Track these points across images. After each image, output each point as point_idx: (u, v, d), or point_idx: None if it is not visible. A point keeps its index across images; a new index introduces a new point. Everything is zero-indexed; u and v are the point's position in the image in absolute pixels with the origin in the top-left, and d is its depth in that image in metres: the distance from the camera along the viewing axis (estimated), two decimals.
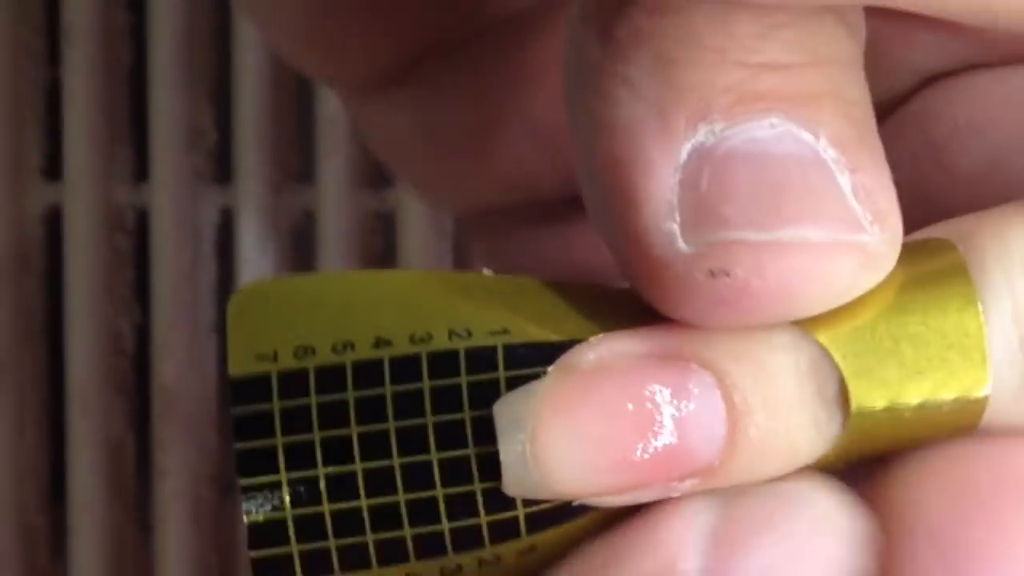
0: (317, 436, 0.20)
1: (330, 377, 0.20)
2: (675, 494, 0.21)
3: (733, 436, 0.21)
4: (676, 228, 0.20)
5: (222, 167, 0.39)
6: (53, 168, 0.39)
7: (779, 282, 0.20)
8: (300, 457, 0.20)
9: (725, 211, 0.20)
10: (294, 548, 0.19)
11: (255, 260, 0.39)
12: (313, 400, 0.20)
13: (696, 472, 0.21)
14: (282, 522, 0.20)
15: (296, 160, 0.39)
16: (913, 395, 0.21)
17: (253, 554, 0.19)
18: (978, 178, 0.26)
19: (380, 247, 0.40)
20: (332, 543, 0.20)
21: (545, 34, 0.28)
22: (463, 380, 0.20)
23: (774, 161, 0.20)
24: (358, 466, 0.20)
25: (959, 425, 0.21)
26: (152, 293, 0.39)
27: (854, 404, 0.21)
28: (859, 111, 0.21)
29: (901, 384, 0.21)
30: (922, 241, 0.21)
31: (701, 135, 0.20)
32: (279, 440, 0.20)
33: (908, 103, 0.26)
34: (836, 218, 0.20)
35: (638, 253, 0.20)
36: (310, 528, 0.20)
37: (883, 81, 0.26)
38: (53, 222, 0.39)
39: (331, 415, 0.20)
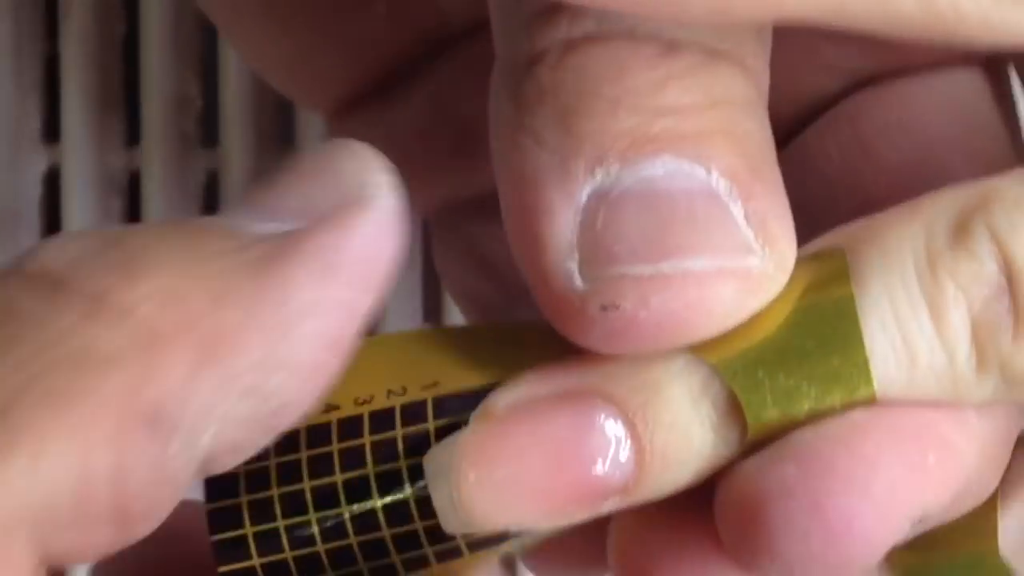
0: (276, 492, 0.22)
1: (287, 440, 0.21)
2: (603, 513, 0.22)
3: (640, 458, 0.22)
4: (574, 266, 0.21)
5: (209, 132, 0.39)
6: (52, 132, 0.39)
7: (663, 312, 0.21)
8: (262, 512, 0.22)
9: (616, 249, 0.21)
10: None
11: None
12: (272, 462, 0.22)
13: (612, 493, 0.22)
14: (251, 570, 0.22)
15: (279, 124, 0.39)
16: (803, 402, 0.22)
17: None
18: (903, 173, 0.27)
19: None
20: None
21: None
22: (398, 433, 0.22)
23: (663, 198, 0.21)
24: (312, 516, 0.22)
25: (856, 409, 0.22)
26: None
27: (748, 417, 0.22)
28: (753, 145, 0.22)
29: (790, 395, 0.22)
30: (818, 252, 0.22)
31: (599, 178, 0.21)
32: (244, 498, 0.22)
33: (842, 102, 0.27)
34: (722, 246, 0.21)
35: (543, 289, 0.21)
36: (277, 572, 0.22)
37: (816, 80, 0.28)
38: (52, 182, 0.39)
39: (287, 473, 0.22)
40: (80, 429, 0.20)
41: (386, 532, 0.22)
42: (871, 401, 0.22)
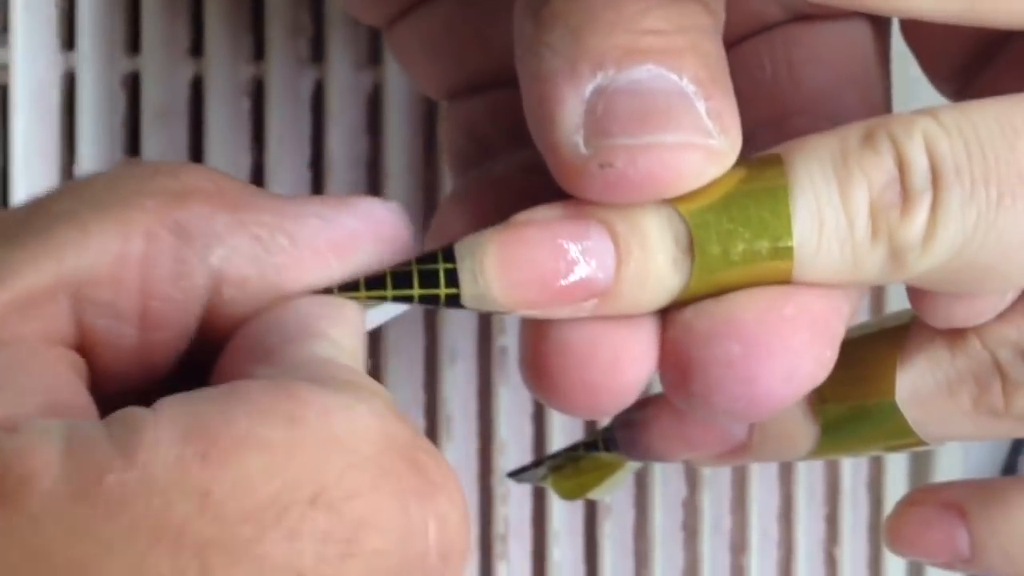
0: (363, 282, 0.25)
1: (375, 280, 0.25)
2: (581, 314, 0.25)
3: (619, 268, 0.24)
4: (580, 139, 0.23)
5: (316, 51, 0.43)
6: (197, 47, 0.43)
7: (646, 169, 0.23)
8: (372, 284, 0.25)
9: (611, 127, 0.23)
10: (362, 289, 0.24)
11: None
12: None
13: (595, 294, 0.24)
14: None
15: (376, 45, 0.42)
16: (739, 243, 0.24)
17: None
18: (818, 97, 0.29)
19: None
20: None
21: None
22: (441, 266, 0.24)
23: (647, 93, 0.23)
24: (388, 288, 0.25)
25: (777, 272, 0.25)
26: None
27: (696, 248, 0.24)
28: (713, 61, 0.24)
29: (730, 236, 0.24)
30: (762, 155, 0.25)
31: (599, 79, 0.23)
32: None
33: (781, 27, 0.30)
34: (689, 128, 0.24)
35: (557, 157, 0.24)
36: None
37: (764, 9, 0.30)
38: (197, 88, 0.43)
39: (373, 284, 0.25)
40: (122, 224, 0.22)
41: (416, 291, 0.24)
42: (790, 253, 0.24)
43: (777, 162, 0.24)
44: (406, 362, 0.45)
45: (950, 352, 0.27)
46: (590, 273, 0.24)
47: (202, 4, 0.42)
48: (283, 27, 0.43)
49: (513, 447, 0.45)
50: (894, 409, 0.27)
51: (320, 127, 0.43)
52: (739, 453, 0.28)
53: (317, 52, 0.43)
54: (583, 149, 0.23)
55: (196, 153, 0.43)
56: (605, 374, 0.25)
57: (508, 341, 0.45)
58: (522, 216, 0.24)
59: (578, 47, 0.23)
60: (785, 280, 0.24)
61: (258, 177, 0.43)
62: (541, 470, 0.32)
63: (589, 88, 0.23)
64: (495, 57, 0.31)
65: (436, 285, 0.24)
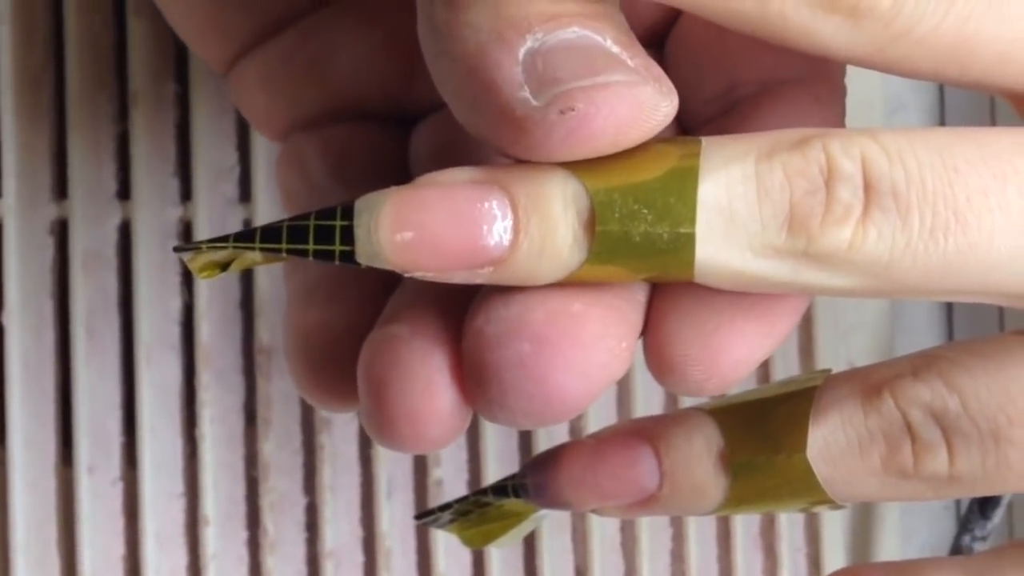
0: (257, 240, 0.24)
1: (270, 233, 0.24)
2: (477, 280, 0.24)
3: (515, 238, 0.24)
4: (527, 94, 0.23)
5: (244, 191, 0.43)
6: (125, 191, 0.43)
7: (608, 107, 0.23)
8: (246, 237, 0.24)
9: (558, 74, 0.23)
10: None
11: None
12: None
13: (490, 262, 0.24)
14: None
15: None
16: (640, 224, 0.24)
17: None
18: (752, 86, 0.29)
19: None
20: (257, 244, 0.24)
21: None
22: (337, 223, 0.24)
23: (580, 47, 0.23)
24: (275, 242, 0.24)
25: (679, 259, 0.24)
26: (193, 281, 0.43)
27: (598, 224, 0.23)
28: (627, 29, 0.24)
29: (633, 216, 0.23)
30: (683, 138, 0.25)
31: (529, 42, 0.23)
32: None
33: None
34: (634, 71, 0.23)
35: (505, 119, 0.23)
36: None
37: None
38: (125, 233, 0.43)
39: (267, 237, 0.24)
40: None
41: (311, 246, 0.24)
42: (691, 239, 0.24)
43: (695, 146, 0.24)
44: (343, 499, 0.45)
45: (863, 410, 0.26)
46: (484, 241, 0.24)
47: (128, 148, 0.43)
48: (210, 168, 0.43)
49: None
50: (804, 464, 0.27)
51: (249, 269, 0.42)
52: (648, 504, 0.28)
53: (245, 192, 0.44)
54: (535, 102, 0.23)
55: (126, 297, 0.43)
56: (421, 398, 0.25)
57: (443, 473, 0.45)
58: (425, 177, 0.24)
59: (501, 18, 0.23)
60: (688, 275, 0.24)
61: (188, 319, 0.44)
62: (447, 515, 0.31)
63: (521, 51, 0.23)
64: (331, 91, 0.31)
65: (332, 242, 0.24)
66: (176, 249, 0.25)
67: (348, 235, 0.24)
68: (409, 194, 0.24)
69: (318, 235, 0.24)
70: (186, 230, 0.43)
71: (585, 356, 0.24)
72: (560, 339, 0.24)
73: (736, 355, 0.25)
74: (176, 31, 0.33)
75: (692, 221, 0.23)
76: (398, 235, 0.23)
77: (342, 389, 0.28)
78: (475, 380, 0.25)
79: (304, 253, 0.24)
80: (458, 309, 0.26)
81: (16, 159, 0.42)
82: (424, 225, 0.23)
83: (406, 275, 0.24)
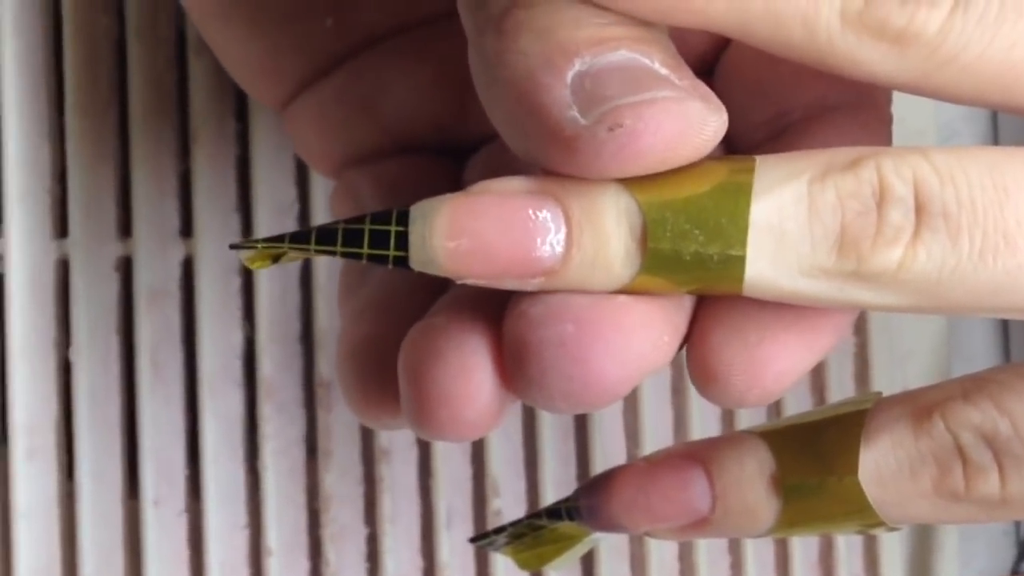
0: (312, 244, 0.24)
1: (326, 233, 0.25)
2: (527, 288, 0.24)
3: (568, 250, 0.24)
4: (576, 113, 0.23)
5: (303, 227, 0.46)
6: (187, 228, 0.43)
7: (656, 123, 0.23)
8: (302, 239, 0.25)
9: (607, 92, 0.23)
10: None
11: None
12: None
13: (541, 273, 0.24)
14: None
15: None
16: (691, 244, 0.24)
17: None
18: (804, 111, 0.29)
19: None
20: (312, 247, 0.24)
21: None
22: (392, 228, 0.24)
23: (627, 69, 0.23)
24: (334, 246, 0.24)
25: (728, 277, 0.24)
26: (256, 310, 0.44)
27: (650, 241, 0.24)
28: (675, 54, 0.24)
29: (684, 235, 0.24)
30: (735, 156, 0.25)
31: (577, 65, 0.23)
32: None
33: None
34: (679, 88, 0.23)
35: (557, 135, 0.23)
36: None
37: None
38: (188, 269, 0.43)
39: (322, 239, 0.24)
40: None
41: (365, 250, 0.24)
42: (741, 261, 0.24)
43: (749, 162, 0.24)
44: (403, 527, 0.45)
45: (914, 433, 0.26)
46: (538, 252, 0.24)
47: (190, 185, 0.43)
48: (271, 204, 0.44)
49: None
50: (855, 487, 0.27)
51: (309, 301, 0.44)
52: (700, 527, 0.28)
53: (305, 228, 0.40)
54: (583, 120, 0.23)
55: (189, 332, 0.44)
56: (456, 380, 0.25)
57: (502, 503, 0.46)
58: (479, 185, 0.24)
59: (550, 44, 0.23)
60: (736, 291, 0.24)
61: (250, 353, 0.44)
62: (502, 538, 0.31)
63: (570, 74, 0.23)
64: (383, 127, 0.32)
65: (386, 247, 0.24)
66: (233, 247, 0.25)
67: (402, 241, 0.24)
68: (464, 201, 0.24)
69: (373, 240, 0.24)
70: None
71: (626, 342, 0.24)
72: (603, 323, 0.24)
73: (779, 367, 0.25)
74: (231, 75, 0.33)
75: (743, 244, 0.23)
76: (452, 242, 0.24)
77: (388, 400, 0.28)
78: (515, 359, 0.25)
79: (358, 256, 0.24)
80: (497, 303, 0.26)
81: (81, 199, 0.43)
82: (478, 233, 0.24)
83: (458, 281, 0.24)
